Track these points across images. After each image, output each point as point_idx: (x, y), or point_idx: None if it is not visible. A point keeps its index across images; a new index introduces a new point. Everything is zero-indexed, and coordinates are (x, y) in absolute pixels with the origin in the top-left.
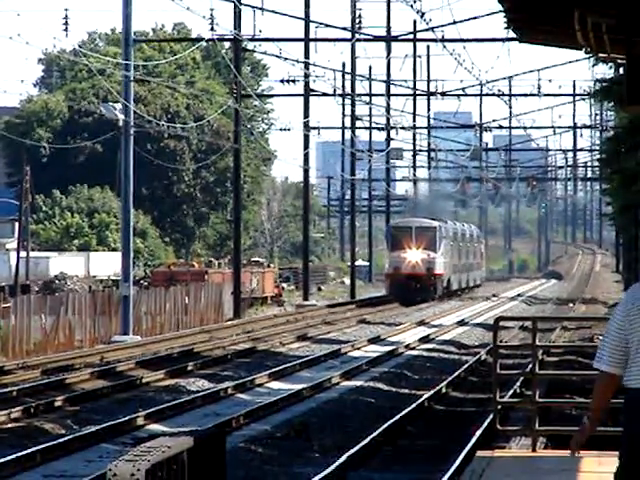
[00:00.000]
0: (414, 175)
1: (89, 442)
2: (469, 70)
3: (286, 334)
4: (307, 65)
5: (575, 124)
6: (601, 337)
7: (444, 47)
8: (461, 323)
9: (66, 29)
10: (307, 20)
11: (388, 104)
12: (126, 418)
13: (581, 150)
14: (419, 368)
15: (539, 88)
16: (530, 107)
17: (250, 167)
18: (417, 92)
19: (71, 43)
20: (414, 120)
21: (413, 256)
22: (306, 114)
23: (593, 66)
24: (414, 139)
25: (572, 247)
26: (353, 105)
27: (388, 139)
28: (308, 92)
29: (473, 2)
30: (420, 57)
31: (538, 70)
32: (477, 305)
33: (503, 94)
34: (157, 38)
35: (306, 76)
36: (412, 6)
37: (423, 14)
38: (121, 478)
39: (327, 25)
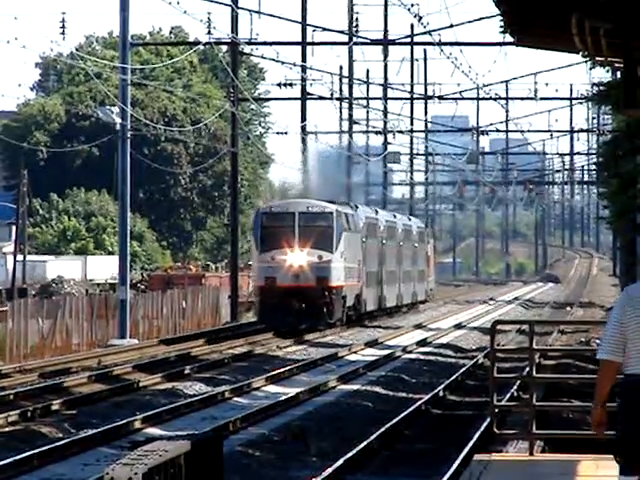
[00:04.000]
0: (411, 179)
1: (86, 446)
2: (466, 74)
3: (282, 338)
4: (304, 69)
5: (572, 128)
6: (598, 341)
7: (441, 51)
8: (458, 326)
9: (63, 32)
10: (304, 24)
11: (385, 108)
12: (123, 422)
13: (578, 154)
14: (416, 372)
15: (536, 92)
16: (527, 111)
17: (247, 171)
18: (414, 96)
19: (68, 47)
20: (411, 124)
21: (295, 259)
22: (303, 118)
23: (590, 69)
24: (411, 143)
25: (569, 251)
26: (350, 109)
27: (385, 143)
28: (305, 96)
29: (470, 6)
30: (417, 61)
31: (535, 74)
32: (474, 308)
33: (500, 98)
34: (154, 42)
35: (303, 80)
36: (409, 10)
37: (420, 18)
38: None
39: (324, 29)
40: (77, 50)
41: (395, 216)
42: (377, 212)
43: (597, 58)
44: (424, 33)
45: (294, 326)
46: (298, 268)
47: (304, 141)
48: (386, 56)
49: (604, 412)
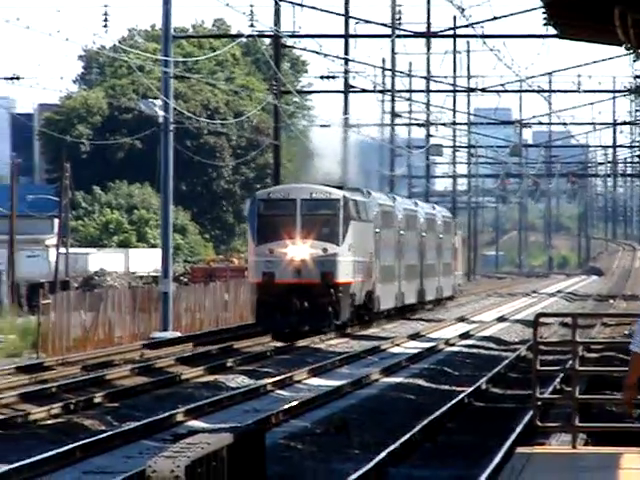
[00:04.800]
0: (454, 171)
1: (129, 438)
2: (509, 66)
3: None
4: (347, 61)
5: (615, 120)
6: (626, 332)
7: (484, 43)
8: (501, 319)
9: (106, 25)
10: (347, 16)
11: (428, 100)
12: (166, 414)
13: (621, 146)
14: (459, 364)
15: (579, 84)
16: (570, 103)
17: (291, 163)
18: (457, 88)
19: (111, 39)
20: (454, 116)
21: (297, 252)
22: (345, 110)
23: (634, 62)
24: (454, 135)
25: (612, 244)
26: (393, 101)
27: (428, 135)
28: (347, 88)
29: None
30: (460, 53)
31: (578, 66)
32: (517, 301)
33: (543, 90)
34: (197, 34)
35: (346, 72)
36: (452, 2)
37: (463, 10)
38: (161, 475)
39: (367, 21)
40: (120, 43)
41: (416, 204)
42: (395, 199)
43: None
44: (467, 26)
45: (295, 328)
46: (300, 262)
47: (346, 134)
48: (429, 49)
49: (634, 394)
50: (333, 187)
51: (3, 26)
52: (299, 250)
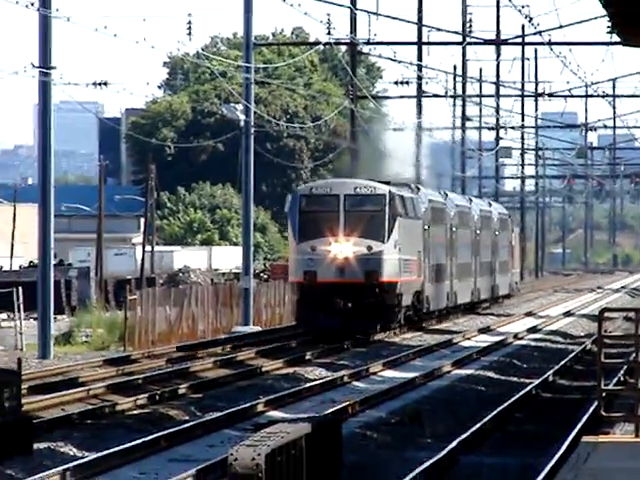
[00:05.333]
0: (522, 172)
1: (211, 428)
2: (575, 72)
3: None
4: (420, 67)
5: None
6: None
7: (551, 50)
8: (567, 314)
9: (190, 33)
10: (420, 24)
11: (498, 105)
12: (247, 405)
13: None
14: (527, 357)
15: None
16: (633, 107)
17: (368, 166)
18: (525, 93)
19: (194, 47)
20: (522, 120)
21: (340, 250)
22: (419, 114)
23: None
24: (522, 138)
25: None
26: (464, 106)
27: (497, 138)
28: (420, 94)
29: (580, 6)
30: (528, 59)
31: None
32: (583, 297)
33: (607, 95)
34: (277, 42)
35: (419, 78)
36: (520, 11)
37: (531, 19)
38: (242, 462)
39: (439, 29)
40: (203, 50)
41: (471, 200)
42: (446, 196)
43: None
44: (535, 33)
45: (337, 330)
46: (343, 261)
47: (419, 137)
48: (498, 55)
49: None
50: (379, 182)
51: (92, 34)
52: (342, 248)
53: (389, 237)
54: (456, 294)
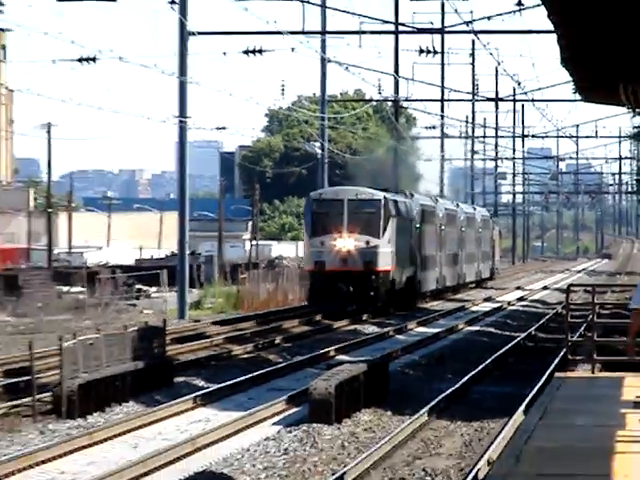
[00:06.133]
0: (514, 190)
1: (298, 367)
2: (549, 120)
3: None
4: (442, 117)
5: (620, 156)
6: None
7: (533, 105)
8: (544, 288)
9: (283, 92)
10: (442, 87)
11: (496, 143)
12: (322, 351)
13: (624, 173)
14: (517, 318)
15: (596, 131)
16: (591, 144)
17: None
18: (515, 135)
19: (286, 102)
20: (513, 153)
21: (343, 244)
22: (442, 149)
23: (632, 117)
24: (513, 166)
25: (619, 238)
26: (472, 144)
27: (496, 166)
28: (443, 135)
29: (554, 74)
30: (518, 111)
31: (596, 120)
32: (555, 276)
33: (572, 136)
34: (342, 99)
35: (442, 125)
36: (512, 77)
37: (520, 83)
38: (319, 391)
39: (456, 90)
40: (292, 104)
41: (458, 205)
42: (437, 201)
43: (637, 109)
44: (522, 93)
45: (341, 309)
46: (346, 253)
47: (442, 165)
48: (497, 108)
49: (633, 341)
50: (376, 189)
51: (213, 94)
52: (345, 242)
53: (384, 234)
54: (445, 278)
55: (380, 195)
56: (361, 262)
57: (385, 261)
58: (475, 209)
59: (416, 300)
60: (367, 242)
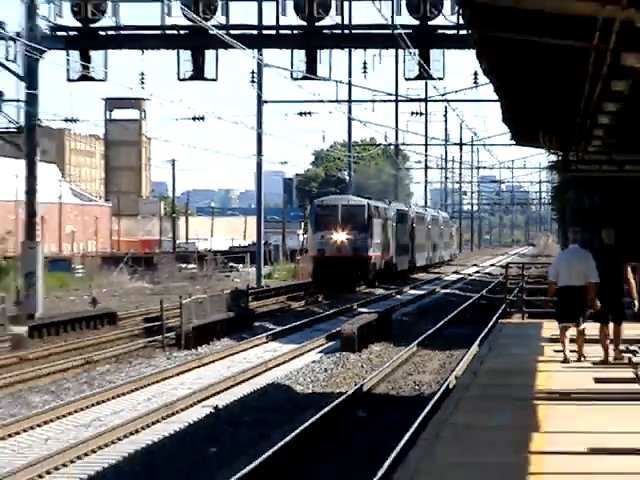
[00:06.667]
0: (472, 201)
1: (334, 316)
2: (495, 158)
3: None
4: (426, 155)
5: (540, 181)
6: (545, 269)
7: (484, 147)
8: (492, 265)
9: (323, 139)
10: (426, 136)
11: (460, 175)
12: (348, 306)
13: (542, 191)
14: (474, 284)
15: (524, 164)
16: (523, 173)
17: (402, 199)
18: (477, 175)
19: (326, 145)
20: (478, 186)
21: (338, 237)
22: (425, 176)
23: (547, 155)
24: (480, 192)
25: (539, 233)
26: (446, 174)
27: (460, 188)
28: (426, 167)
29: (499, 126)
30: (477, 153)
31: (526, 157)
32: (499, 257)
33: (510, 167)
34: (362, 144)
35: (425, 161)
36: (470, 130)
37: (476, 133)
38: (347, 331)
39: (435, 138)
40: (330, 147)
41: (425, 209)
42: (410, 206)
43: (551, 150)
44: (478, 140)
45: (335, 285)
46: (340, 243)
47: (425, 187)
48: (461, 149)
49: (552, 296)
50: (362, 197)
51: (279, 140)
52: (339, 236)
53: (367, 230)
54: (416, 260)
55: (364, 202)
56: (350, 250)
57: (368, 250)
58: (439, 213)
59: (393, 277)
60: (355, 235)
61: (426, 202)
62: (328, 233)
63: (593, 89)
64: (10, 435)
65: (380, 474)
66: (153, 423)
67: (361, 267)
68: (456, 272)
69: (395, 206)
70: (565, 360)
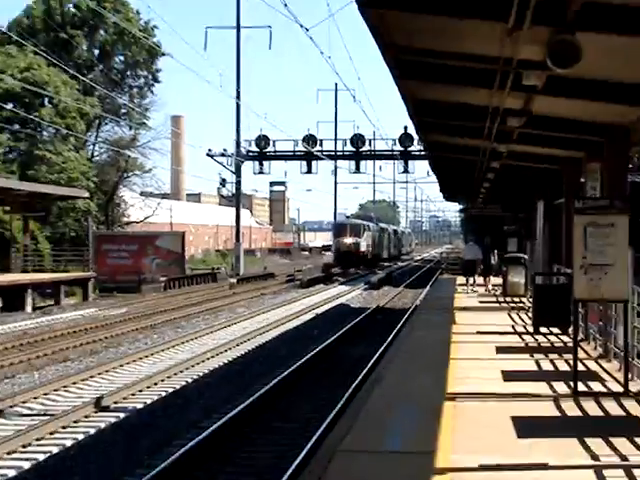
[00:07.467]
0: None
1: (367, 274)
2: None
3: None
4: (407, 201)
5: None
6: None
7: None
8: (433, 253)
9: (362, 199)
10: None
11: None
12: (368, 272)
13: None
14: (427, 261)
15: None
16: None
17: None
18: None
19: (363, 201)
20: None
21: (347, 240)
22: (406, 212)
23: (460, 204)
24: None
25: (456, 239)
26: (421, 211)
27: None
28: (407, 208)
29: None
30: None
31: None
32: (438, 249)
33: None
34: (378, 201)
35: (407, 204)
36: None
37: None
38: (372, 281)
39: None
40: (366, 202)
41: (397, 227)
42: (388, 225)
43: (461, 204)
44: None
45: (346, 266)
46: (347, 244)
47: (406, 217)
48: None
49: (460, 267)
50: (361, 219)
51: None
52: (347, 240)
53: (362, 237)
54: (390, 253)
55: (360, 222)
56: (353, 247)
57: (363, 248)
58: (406, 229)
59: (379, 262)
60: (355, 240)
61: (407, 224)
62: (341, 238)
63: (481, 166)
64: (228, 326)
65: (390, 338)
66: (290, 320)
67: (359, 257)
68: (419, 258)
69: (380, 225)
70: (467, 292)
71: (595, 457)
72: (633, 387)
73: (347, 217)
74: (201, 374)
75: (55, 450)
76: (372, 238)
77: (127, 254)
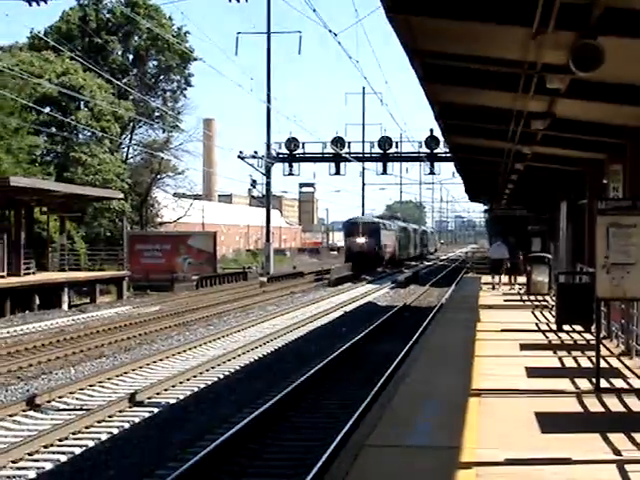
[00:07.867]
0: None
1: (395, 273)
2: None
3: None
4: (432, 201)
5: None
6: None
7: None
8: (463, 252)
9: (389, 199)
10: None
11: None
12: (397, 271)
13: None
14: (453, 260)
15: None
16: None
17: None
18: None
19: (391, 202)
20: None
21: (360, 240)
22: (432, 213)
23: (485, 204)
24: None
25: (481, 239)
26: (447, 211)
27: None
28: (432, 209)
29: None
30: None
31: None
32: (463, 249)
33: (455, 201)
34: (404, 202)
35: (432, 205)
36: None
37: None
38: (399, 280)
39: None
40: (394, 202)
41: (419, 226)
42: (409, 224)
43: (486, 204)
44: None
45: (360, 268)
46: (360, 244)
47: (432, 217)
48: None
49: (489, 263)
50: (375, 218)
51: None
52: (360, 239)
53: (379, 237)
54: (410, 253)
55: (377, 220)
56: (366, 248)
57: (381, 248)
58: (428, 228)
59: (403, 262)
60: (371, 239)
61: (432, 224)
62: (354, 238)
63: (505, 168)
64: (258, 323)
65: (416, 335)
66: (319, 317)
67: (376, 258)
68: (445, 258)
69: (398, 223)
70: (493, 289)
71: (617, 452)
72: None
73: (374, 217)
74: (232, 370)
75: (91, 444)
76: (394, 238)
77: (160, 253)
